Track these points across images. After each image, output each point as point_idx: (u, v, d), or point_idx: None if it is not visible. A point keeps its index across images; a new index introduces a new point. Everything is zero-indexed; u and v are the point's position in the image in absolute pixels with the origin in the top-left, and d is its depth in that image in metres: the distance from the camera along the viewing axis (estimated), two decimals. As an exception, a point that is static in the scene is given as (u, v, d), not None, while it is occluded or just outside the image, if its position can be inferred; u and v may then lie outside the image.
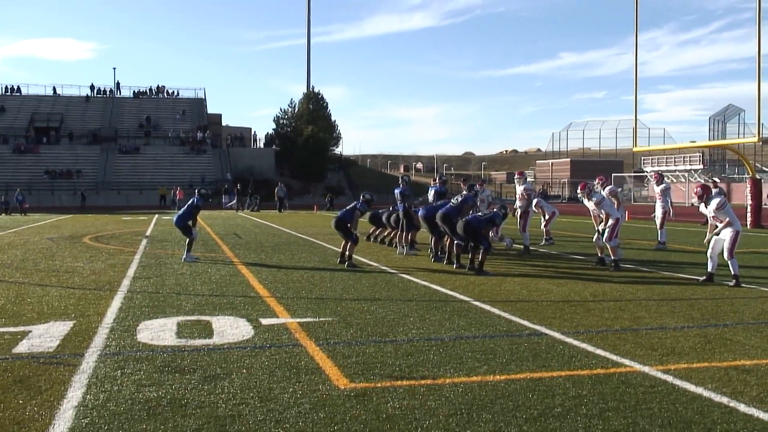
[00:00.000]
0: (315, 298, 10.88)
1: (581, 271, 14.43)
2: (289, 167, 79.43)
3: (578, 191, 15.56)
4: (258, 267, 15.02)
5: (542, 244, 20.01)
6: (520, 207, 18.97)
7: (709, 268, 12.66)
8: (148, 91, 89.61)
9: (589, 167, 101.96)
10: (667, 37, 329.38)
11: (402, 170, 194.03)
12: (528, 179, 20.39)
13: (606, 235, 14.67)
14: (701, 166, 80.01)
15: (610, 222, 14.65)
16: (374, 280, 12.95)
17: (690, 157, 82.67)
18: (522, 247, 18.14)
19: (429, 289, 11.76)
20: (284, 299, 10.70)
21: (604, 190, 17.27)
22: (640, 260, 16.49)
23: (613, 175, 74.18)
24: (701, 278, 12.89)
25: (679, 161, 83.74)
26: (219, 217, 40.21)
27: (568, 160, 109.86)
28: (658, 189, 19.90)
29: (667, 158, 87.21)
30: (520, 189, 19.38)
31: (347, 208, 15.61)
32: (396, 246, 18.94)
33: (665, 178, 20.52)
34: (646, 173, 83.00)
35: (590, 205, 15.27)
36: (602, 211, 14.87)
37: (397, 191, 18.09)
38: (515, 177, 20.15)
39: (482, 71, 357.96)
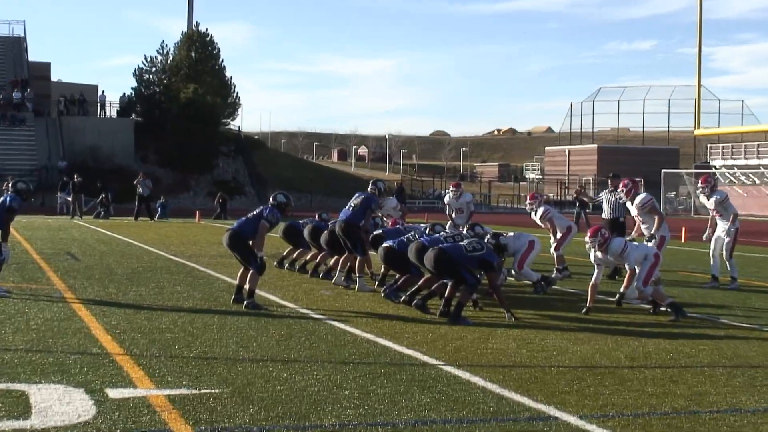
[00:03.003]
0: (194, 357, 10.79)
1: (612, 320, 14.59)
2: (158, 150, 78.96)
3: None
4: (105, 306, 14.86)
5: (553, 276, 20.19)
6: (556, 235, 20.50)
7: None
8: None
9: (627, 157, 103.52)
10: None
11: (335, 156, 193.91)
12: (542, 199, 21.42)
13: (641, 276, 14.92)
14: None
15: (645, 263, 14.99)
16: (289, 329, 12.91)
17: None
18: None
19: (375, 346, 11.76)
20: (145, 358, 10.59)
21: (632, 201, 17.66)
22: (702, 305, 16.72)
23: (663, 171, 75.20)
24: None
25: (764, 152, 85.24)
26: (45, 226, 39.67)
27: (595, 146, 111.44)
28: (710, 202, 20.01)
29: (746, 147, 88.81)
30: (536, 217, 20.87)
31: (249, 216, 15.54)
32: (332, 275, 18.93)
33: (718, 184, 20.85)
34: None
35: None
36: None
37: (361, 199, 18.10)
38: (527, 204, 21.40)
39: (464, 5, 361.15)
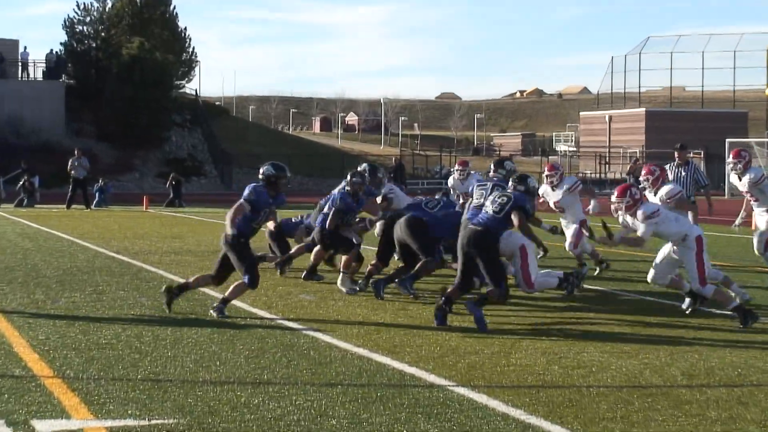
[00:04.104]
0: (143, 379, 10.79)
1: (663, 323, 14.64)
2: (95, 120, 78.77)
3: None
4: (30, 317, 14.86)
5: (585, 271, 20.10)
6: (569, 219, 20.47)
7: None
8: None
9: (682, 124, 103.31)
10: None
11: (317, 126, 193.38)
12: (562, 173, 21.23)
13: (693, 274, 14.95)
14: None
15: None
16: (261, 343, 12.94)
17: None
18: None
19: (370, 363, 11.77)
20: (81, 382, 10.59)
21: (655, 192, 17.79)
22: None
23: (727, 140, 75.07)
24: None
25: None
26: (-47, 217, 39.62)
27: (642, 110, 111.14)
28: (742, 183, 19.64)
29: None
30: (558, 194, 20.67)
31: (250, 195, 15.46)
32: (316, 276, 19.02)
33: (752, 161, 20.57)
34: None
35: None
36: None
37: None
38: (547, 176, 21.10)
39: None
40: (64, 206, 47.79)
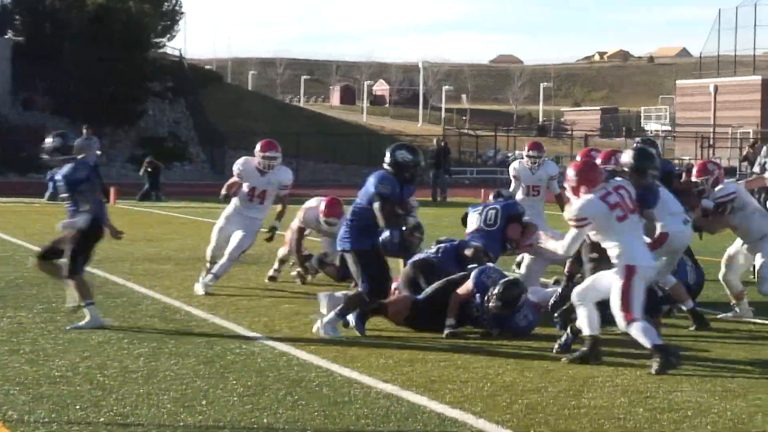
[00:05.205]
0: (107, 422, 10.81)
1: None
2: (51, 89, 78.87)
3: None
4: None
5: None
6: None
7: None
8: None
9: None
10: None
11: (337, 98, 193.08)
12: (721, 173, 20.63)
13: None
14: None
15: None
16: (260, 377, 12.97)
17: None
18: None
19: (399, 404, 11.77)
20: (28, 425, 10.64)
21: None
22: None
23: None
24: None
25: None
26: None
27: (758, 78, 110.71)
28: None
29: None
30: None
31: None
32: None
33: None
34: None
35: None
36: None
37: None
38: (695, 179, 20.04)
39: None
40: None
